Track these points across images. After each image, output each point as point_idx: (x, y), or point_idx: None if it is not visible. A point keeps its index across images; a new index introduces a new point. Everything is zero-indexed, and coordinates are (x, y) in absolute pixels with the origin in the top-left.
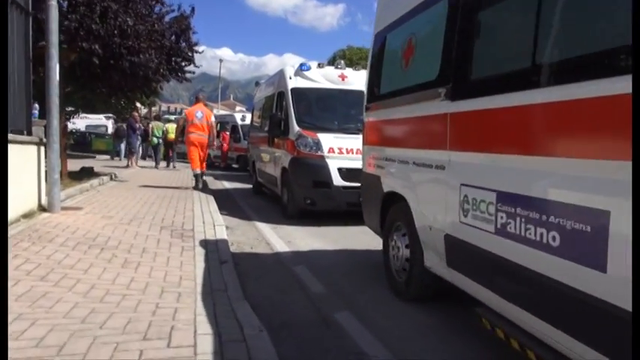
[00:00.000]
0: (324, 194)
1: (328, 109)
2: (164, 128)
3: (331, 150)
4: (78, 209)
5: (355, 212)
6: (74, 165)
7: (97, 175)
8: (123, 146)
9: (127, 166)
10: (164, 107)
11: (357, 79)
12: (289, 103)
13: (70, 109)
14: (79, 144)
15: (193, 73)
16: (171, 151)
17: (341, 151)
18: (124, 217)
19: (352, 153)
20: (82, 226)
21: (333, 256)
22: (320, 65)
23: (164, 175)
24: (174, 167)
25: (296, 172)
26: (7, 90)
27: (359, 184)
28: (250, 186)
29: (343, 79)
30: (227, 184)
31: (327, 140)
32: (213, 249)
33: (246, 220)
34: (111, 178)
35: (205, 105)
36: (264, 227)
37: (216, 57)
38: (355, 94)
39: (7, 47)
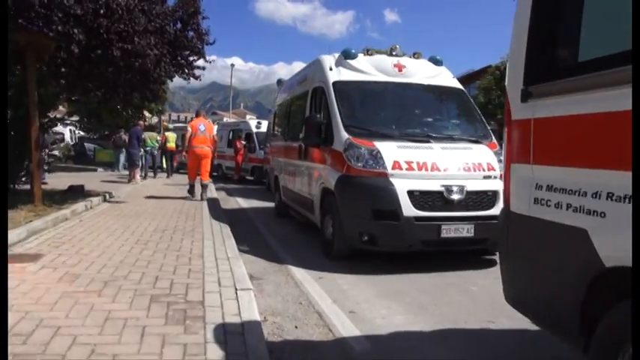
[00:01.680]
0: (390, 229)
1: (384, 110)
2: (158, 138)
3: (397, 165)
4: (34, 258)
5: (433, 254)
6: (65, 182)
7: (86, 195)
8: (122, 157)
9: (129, 181)
10: (174, 117)
11: (417, 70)
12: (332, 101)
13: (55, 115)
14: (79, 155)
15: (204, 69)
16: (174, 160)
17: (410, 167)
18: (98, 276)
19: (426, 169)
20: (18, 301)
21: (430, 343)
22: (368, 52)
23: (168, 192)
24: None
25: (347, 197)
26: (6, 93)
27: (439, 214)
28: (270, 204)
29: (400, 70)
30: (242, 202)
31: (390, 151)
32: (239, 349)
33: (276, 263)
34: (104, 199)
35: (205, 118)
36: (304, 278)
37: (226, 66)
38: (417, 90)
39: (7, 51)
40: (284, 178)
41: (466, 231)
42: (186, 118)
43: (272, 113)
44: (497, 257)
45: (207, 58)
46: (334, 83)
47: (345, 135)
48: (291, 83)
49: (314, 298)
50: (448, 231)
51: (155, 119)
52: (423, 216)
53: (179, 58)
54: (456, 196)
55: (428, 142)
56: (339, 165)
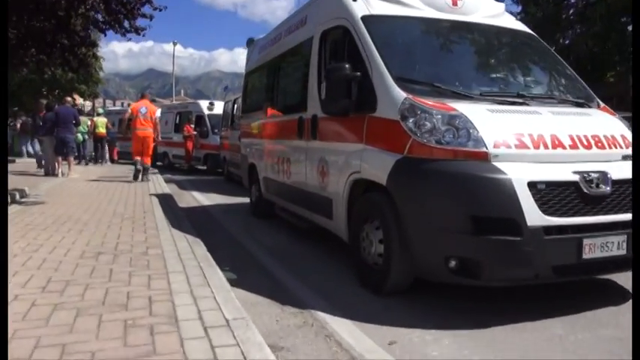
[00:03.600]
0: (506, 250)
1: (444, 57)
2: (88, 122)
3: (501, 140)
4: None
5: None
6: None
7: None
8: (35, 147)
9: (50, 174)
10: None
11: (477, 5)
12: (366, 43)
13: None
14: None
15: (151, 18)
16: (112, 148)
17: (522, 144)
18: None
19: (545, 146)
20: None
21: None
22: None
23: (104, 185)
24: (105, 163)
25: (417, 195)
26: (6, 92)
27: (578, 220)
28: (236, 199)
29: (455, 4)
30: (201, 197)
31: (483, 118)
32: None
33: (294, 308)
34: (12, 200)
35: (152, 102)
36: (361, 343)
37: (164, 52)
38: (483, 31)
39: (7, 50)
40: (268, 166)
41: (616, 246)
42: (122, 104)
43: (243, 82)
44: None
45: (156, 5)
46: (365, 18)
47: (400, 93)
48: (275, 36)
49: None
50: (592, 248)
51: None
52: (557, 225)
53: (115, 5)
54: (599, 189)
55: (526, 103)
56: (392, 142)
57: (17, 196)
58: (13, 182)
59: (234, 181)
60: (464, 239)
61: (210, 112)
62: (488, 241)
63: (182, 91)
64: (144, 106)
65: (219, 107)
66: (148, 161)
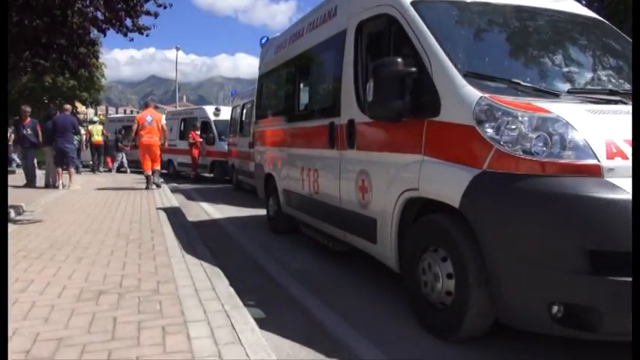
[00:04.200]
0: (631, 292)
1: (515, 49)
2: (83, 132)
3: (614, 150)
4: None
5: None
6: None
7: None
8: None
9: (54, 186)
10: (112, 111)
11: None
12: (422, 34)
13: None
14: None
15: (155, 16)
16: (98, 155)
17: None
18: None
19: None
20: None
21: None
22: None
23: (105, 197)
24: (98, 172)
25: (508, 222)
26: (6, 91)
27: None
28: (249, 210)
29: None
30: (210, 209)
31: (584, 121)
32: None
33: None
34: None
35: (155, 109)
36: None
37: (166, 59)
38: (555, 17)
39: (7, 50)
40: (289, 177)
41: None
42: (125, 111)
43: (257, 85)
44: None
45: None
46: (415, 4)
47: (472, 92)
48: (295, 33)
49: None
50: None
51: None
52: None
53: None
54: None
55: (623, 101)
56: (465, 152)
57: (12, 214)
58: (10, 196)
59: (243, 190)
60: (575, 280)
61: (216, 118)
62: (608, 283)
63: (184, 97)
64: (149, 115)
65: (225, 113)
66: (158, 165)
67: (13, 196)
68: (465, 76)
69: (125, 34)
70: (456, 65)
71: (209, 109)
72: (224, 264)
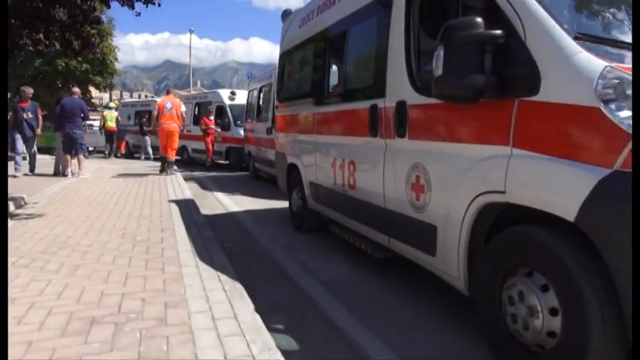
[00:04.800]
0: None
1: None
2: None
3: None
4: None
5: None
6: None
7: None
8: (18, 142)
9: (63, 174)
10: (126, 95)
11: None
12: None
13: None
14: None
15: None
16: (112, 140)
17: None
18: None
19: None
20: None
21: None
22: None
23: (115, 186)
24: (116, 156)
25: None
26: (6, 92)
27: None
28: (267, 201)
29: None
30: (226, 200)
31: None
32: None
33: None
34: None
35: (174, 96)
36: None
37: (181, 44)
38: None
39: (6, 49)
40: (317, 169)
41: None
42: (139, 95)
43: (278, 65)
44: None
45: None
46: None
47: (593, 60)
48: (324, 2)
49: None
50: None
51: (106, 97)
52: None
53: None
54: None
55: None
56: (584, 145)
57: (12, 207)
58: (14, 185)
59: (261, 179)
60: None
61: (231, 103)
62: None
63: (199, 82)
64: (169, 102)
65: (241, 97)
66: (173, 155)
67: (18, 186)
68: (577, 39)
69: (131, 6)
70: (561, 24)
71: (224, 93)
72: (244, 271)
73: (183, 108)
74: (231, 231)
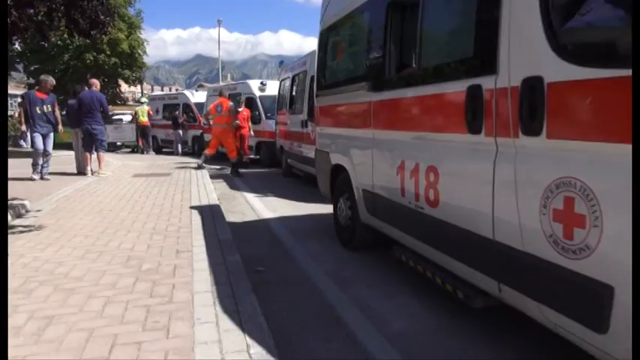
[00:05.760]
0: None
1: None
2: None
3: None
4: None
5: None
6: None
7: None
8: (37, 139)
9: (84, 173)
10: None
11: None
12: None
13: None
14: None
15: None
16: (144, 136)
17: None
18: None
19: None
20: None
21: None
22: None
23: (134, 190)
24: (146, 153)
25: None
26: (6, 92)
27: None
28: (304, 206)
29: None
30: (257, 204)
31: None
32: None
33: None
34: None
35: (201, 87)
36: None
37: (212, 39)
38: None
39: (6, 49)
40: (375, 174)
41: None
42: (170, 89)
43: (318, 44)
44: None
45: None
46: None
47: None
48: None
49: None
50: None
51: (137, 92)
52: None
53: None
54: None
55: None
56: None
57: (9, 217)
58: (28, 186)
59: (294, 177)
60: None
61: (262, 94)
62: None
63: (229, 76)
64: (219, 105)
65: (272, 88)
66: (233, 156)
67: (30, 187)
68: None
69: None
70: None
71: (254, 84)
72: (281, 315)
73: (230, 104)
74: (264, 247)
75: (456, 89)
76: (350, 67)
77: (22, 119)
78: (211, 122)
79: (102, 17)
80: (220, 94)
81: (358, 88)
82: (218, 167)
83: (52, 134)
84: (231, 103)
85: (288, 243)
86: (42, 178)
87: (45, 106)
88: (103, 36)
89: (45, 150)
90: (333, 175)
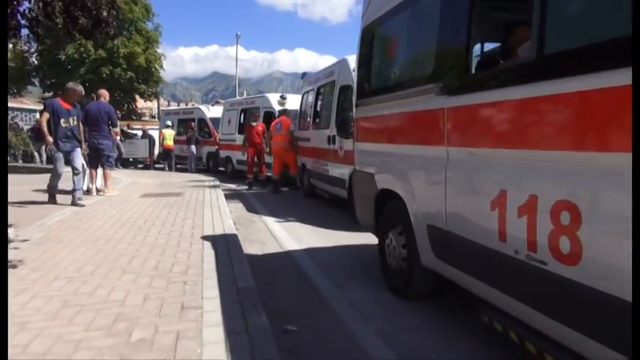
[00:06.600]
0: None
1: None
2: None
3: None
4: None
5: None
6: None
7: None
8: (60, 161)
9: (88, 191)
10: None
11: None
12: None
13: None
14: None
15: None
16: (169, 158)
17: None
18: None
19: None
20: None
21: None
22: None
23: (142, 212)
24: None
25: None
26: (6, 91)
27: None
28: (334, 234)
29: None
30: (279, 232)
31: None
32: None
33: None
34: None
35: (217, 104)
36: None
37: (229, 56)
38: None
39: (6, 49)
40: (450, 206)
41: None
42: (186, 104)
43: (359, 44)
44: None
45: None
46: None
47: None
48: None
49: None
50: None
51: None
52: None
53: None
54: None
55: None
56: None
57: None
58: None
59: (316, 197)
60: None
61: (282, 108)
62: None
63: (245, 93)
64: (279, 122)
65: (293, 102)
66: (294, 171)
67: (24, 209)
68: None
69: None
70: None
71: (272, 97)
72: None
73: (292, 127)
74: (293, 293)
75: (619, 83)
76: (408, 67)
77: (46, 130)
78: (272, 142)
79: (104, 14)
80: (279, 114)
81: (422, 92)
82: (235, 186)
83: (78, 149)
84: (292, 123)
85: (322, 287)
86: (74, 203)
87: (71, 119)
88: (119, 48)
89: (73, 168)
90: (379, 203)
